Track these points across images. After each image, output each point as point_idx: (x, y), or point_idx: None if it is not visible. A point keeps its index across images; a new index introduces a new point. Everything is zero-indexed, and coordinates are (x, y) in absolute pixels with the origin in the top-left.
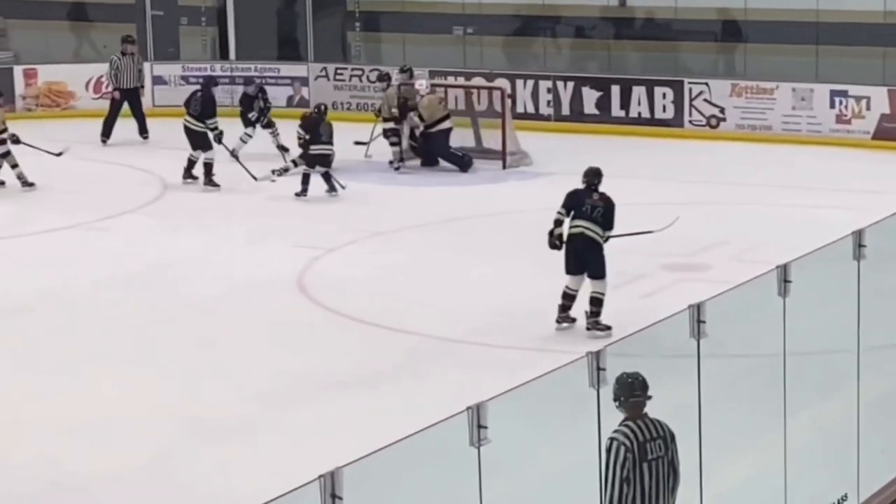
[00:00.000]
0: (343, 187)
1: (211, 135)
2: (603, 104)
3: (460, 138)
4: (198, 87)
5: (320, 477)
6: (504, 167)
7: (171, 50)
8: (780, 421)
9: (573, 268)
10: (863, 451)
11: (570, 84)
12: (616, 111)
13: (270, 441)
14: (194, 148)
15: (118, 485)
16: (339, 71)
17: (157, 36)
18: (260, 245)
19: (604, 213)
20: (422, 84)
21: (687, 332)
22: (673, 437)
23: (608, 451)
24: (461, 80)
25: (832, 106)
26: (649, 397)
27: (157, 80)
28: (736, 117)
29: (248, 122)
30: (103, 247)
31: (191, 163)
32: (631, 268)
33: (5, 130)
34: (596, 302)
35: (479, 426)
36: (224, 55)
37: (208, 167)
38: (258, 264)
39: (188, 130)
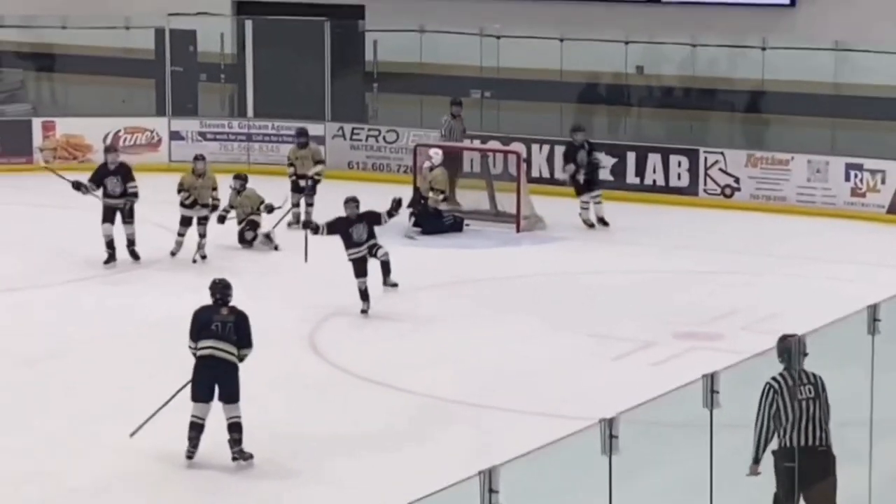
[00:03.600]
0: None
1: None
2: (618, 170)
3: (475, 201)
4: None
5: None
6: (518, 230)
7: (190, 106)
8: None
9: None
10: None
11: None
12: (631, 178)
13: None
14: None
15: None
16: (355, 130)
17: (175, 91)
18: (272, 301)
19: None
20: (437, 154)
21: (700, 402)
22: (824, 386)
23: (762, 392)
24: (477, 143)
25: (847, 179)
26: (806, 354)
27: (175, 136)
28: (751, 187)
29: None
30: (116, 302)
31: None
32: (643, 335)
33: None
34: None
35: (491, 490)
36: (242, 112)
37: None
38: (271, 321)
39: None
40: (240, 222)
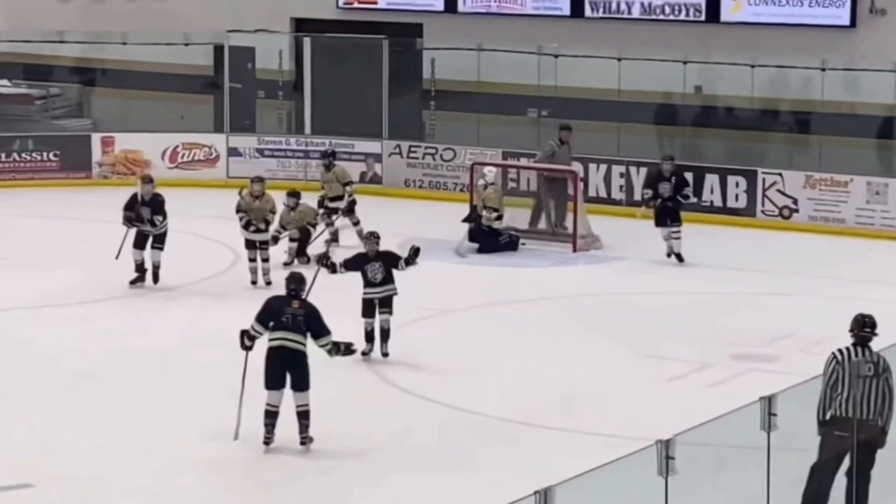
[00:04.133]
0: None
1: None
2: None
3: (532, 221)
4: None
5: None
6: (574, 250)
7: (248, 122)
8: None
9: None
10: None
11: (643, 169)
12: None
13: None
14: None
15: None
16: (412, 148)
17: (234, 108)
18: (327, 319)
19: None
20: (491, 172)
21: (757, 424)
22: (887, 366)
23: (826, 361)
24: (534, 162)
25: None
26: (876, 335)
27: (233, 153)
28: (809, 209)
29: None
30: (168, 316)
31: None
32: (699, 357)
33: None
34: None
35: None
36: (299, 129)
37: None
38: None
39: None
40: (293, 240)
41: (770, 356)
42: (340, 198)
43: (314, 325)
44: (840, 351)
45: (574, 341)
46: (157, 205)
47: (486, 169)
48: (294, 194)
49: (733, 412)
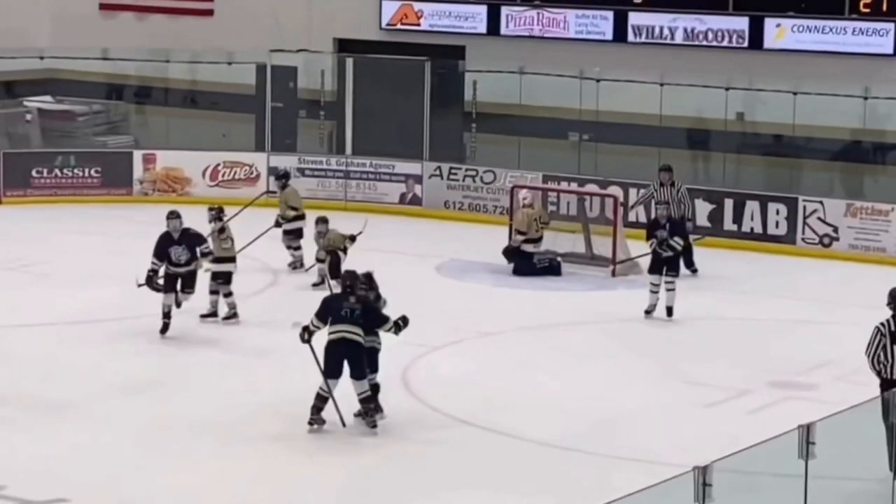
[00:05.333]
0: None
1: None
2: (715, 216)
3: (571, 244)
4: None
5: None
6: (613, 275)
7: (289, 142)
8: None
9: None
10: None
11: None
12: (728, 224)
13: None
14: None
15: None
16: (453, 170)
17: (275, 127)
18: None
19: None
20: (528, 196)
21: (795, 453)
22: None
23: (872, 332)
24: (574, 186)
25: None
26: None
27: (273, 172)
28: (850, 237)
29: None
30: (204, 333)
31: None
32: (738, 384)
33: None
34: None
35: None
36: (340, 149)
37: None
38: None
39: None
40: (319, 261)
41: (808, 384)
42: (287, 219)
43: (372, 315)
44: (883, 324)
45: (612, 365)
46: (189, 238)
47: (523, 193)
48: (322, 220)
49: (771, 440)
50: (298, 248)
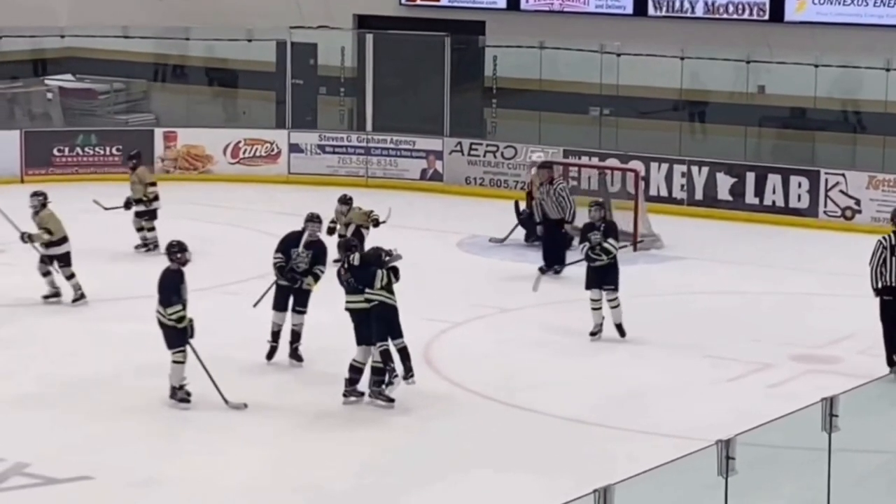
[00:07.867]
0: None
1: None
2: (737, 190)
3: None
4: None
5: None
6: (635, 249)
7: (309, 119)
8: None
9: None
10: None
11: (705, 169)
12: (750, 198)
13: None
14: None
15: None
16: (473, 146)
17: (295, 104)
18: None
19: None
20: (540, 156)
21: (818, 426)
22: None
23: (874, 245)
24: (595, 161)
25: None
26: None
27: (294, 149)
28: (872, 210)
29: None
30: (233, 311)
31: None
32: (760, 357)
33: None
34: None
35: None
36: (361, 126)
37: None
38: None
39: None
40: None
41: (830, 357)
42: (141, 200)
43: (360, 273)
44: (885, 238)
45: (633, 341)
46: (316, 249)
47: (535, 156)
48: (346, 200)
49: (794, 413)
50: (152, 229)
